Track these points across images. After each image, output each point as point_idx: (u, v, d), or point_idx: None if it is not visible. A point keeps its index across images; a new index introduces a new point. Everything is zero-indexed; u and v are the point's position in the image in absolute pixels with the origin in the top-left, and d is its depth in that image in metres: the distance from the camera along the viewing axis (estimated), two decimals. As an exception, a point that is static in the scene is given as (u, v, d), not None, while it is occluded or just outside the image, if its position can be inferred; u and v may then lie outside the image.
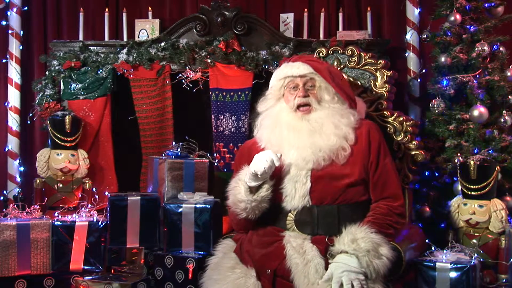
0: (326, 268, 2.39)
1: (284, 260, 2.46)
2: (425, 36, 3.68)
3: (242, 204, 2.56)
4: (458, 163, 3.28)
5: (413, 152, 3.15)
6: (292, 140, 2.58)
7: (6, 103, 4.25)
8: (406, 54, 4.05)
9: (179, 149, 3.53)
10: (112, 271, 3.24)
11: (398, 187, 2.65)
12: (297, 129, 2.59)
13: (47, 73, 4.09)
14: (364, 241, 2.39)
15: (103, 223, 3.13)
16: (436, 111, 3.53)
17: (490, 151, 3.34)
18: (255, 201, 2.54)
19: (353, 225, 2.47)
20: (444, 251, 2.77)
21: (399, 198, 2.61)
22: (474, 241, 3.15)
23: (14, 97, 4.22)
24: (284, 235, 2.54)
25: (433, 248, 2.80)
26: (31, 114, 4.13)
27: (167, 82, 4.02)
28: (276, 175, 2.55)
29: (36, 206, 3.23)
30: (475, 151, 3.36)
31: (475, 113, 3.37)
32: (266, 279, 2.47)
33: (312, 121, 2.60)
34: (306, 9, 4.11)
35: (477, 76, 3.47)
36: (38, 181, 3.74)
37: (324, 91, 2.65)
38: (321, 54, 3.37)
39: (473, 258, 2.72)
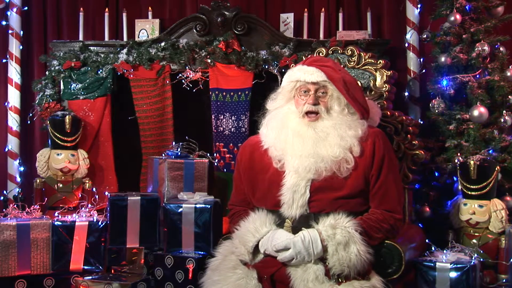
0: (326, 274, 2.39)
1: (282, 267, 2.45)
2: (425, 36, 3.68)
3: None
4: (458, 163, 3.28)
5: (413, 152, 3.15)
6: (296, 147, 2.54)
7: (6, 103, 4.25)
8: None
9: (179, 149, 3.54)
10: (112, 271, 3.23)
11: (397, 203, 2.60)
12: (302, 136, 2.54)
13: (47, 73, 4.08)
14: (341, 233, 2.40)
15: (103, 223, 3.13)
16: (436, 111, 3.53)
17: (490, 151, 3.34)
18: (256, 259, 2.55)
19: (343, 215, 2.47)
20: (444, 251, 2.77)
21: (397, 213, 2.58)
22: (474, 241, 3.15)
23: (14, 97, 4.22)
24: None
25: (433, 248, 2.80)
26: (31, 114, 4.13)
27: (167, 82, 4.02)
28: (277, 181, 2.55)
29: (36, 206, 3.22)
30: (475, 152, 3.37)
31: (475, 113, 3.37)
32: (266, 282, 2.46)
33: (318, 129, 2.55)
34: (306, 9, 4.10)
35: (477, 76, 3.47)
36: (38, 181, 3.74)
37: (335, 100, 2.58)
38: (321, 54, 3.38)
39: (473, 258, 2.72)
